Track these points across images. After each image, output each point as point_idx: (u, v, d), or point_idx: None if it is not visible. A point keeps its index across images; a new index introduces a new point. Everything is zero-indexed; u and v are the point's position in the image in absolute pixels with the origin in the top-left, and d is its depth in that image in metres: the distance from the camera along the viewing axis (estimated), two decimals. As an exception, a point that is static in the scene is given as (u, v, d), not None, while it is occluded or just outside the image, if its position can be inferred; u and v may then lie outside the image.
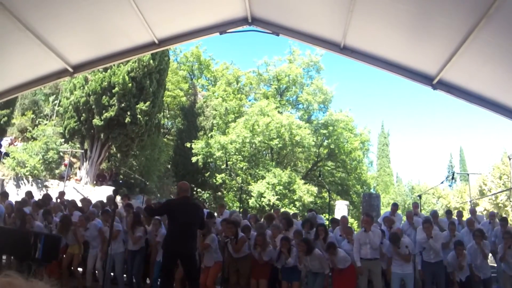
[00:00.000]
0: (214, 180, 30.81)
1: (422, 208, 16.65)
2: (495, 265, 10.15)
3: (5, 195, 11.79)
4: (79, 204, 11.57)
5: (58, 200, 12.36)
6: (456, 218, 11.87)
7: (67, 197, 13.63)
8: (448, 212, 12.34)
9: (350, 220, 23.61)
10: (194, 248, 7.21)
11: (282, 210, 17.59)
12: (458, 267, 8.87)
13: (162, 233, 9.11)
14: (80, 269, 9.89)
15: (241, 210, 17.06)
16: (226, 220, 9.78)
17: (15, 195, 18.66)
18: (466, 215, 12.41)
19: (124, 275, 9.74)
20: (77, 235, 9.50)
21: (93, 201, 12.21)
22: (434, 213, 11.56)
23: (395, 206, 12.28)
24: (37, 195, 13.96)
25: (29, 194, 12.48)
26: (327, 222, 14.48)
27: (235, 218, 10.43)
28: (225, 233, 8.89)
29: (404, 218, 12.04)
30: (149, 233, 9.56)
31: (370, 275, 8.95)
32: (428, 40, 6.70)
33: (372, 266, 8.94)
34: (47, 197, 12.22)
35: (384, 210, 29.59)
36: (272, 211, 20.02)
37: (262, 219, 11.19)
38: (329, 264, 8.70)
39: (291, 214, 12.72)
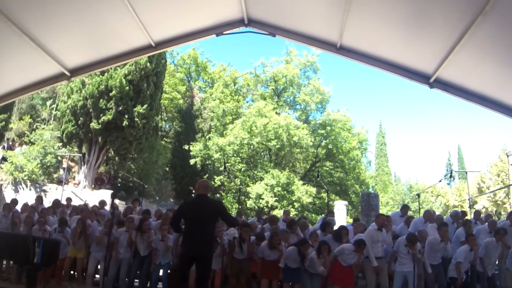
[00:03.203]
0: (212, 182, 30.75)
1: (421, 207, 16.66)
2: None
3: (14, 202, 11.76)
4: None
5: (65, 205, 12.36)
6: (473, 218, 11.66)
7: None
8: (463, 214, 12.11)
9: (349, 220, 23.58)
10: (211, 250, 7.04)
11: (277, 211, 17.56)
12: (473, 259, 8.77)
13: (170, 239, 9.20)
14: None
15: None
16: (244, 223, 9.83)
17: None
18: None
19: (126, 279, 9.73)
20: (87, 241, 9.56)
21: (91, 205, 12.22)
22: (456, 214, 11.31)
23: (405, 209, 12.04)
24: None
25: (39, 199, 12.51)
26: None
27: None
28: (242, 236, 8.94)
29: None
30: (154, 240, 9.49)
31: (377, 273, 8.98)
32: (425, 38, 6.72)
33: (381, 263, 8.95)
34: (57, 202, 12.21)
35: (383, 209, 29.65)
36: (273, 212, 20.02)
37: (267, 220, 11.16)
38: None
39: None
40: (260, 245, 9.03)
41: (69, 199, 13.44)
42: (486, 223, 10.37)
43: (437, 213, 14.52)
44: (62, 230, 9.76)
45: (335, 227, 10.56)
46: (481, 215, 11.78)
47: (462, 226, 10.07)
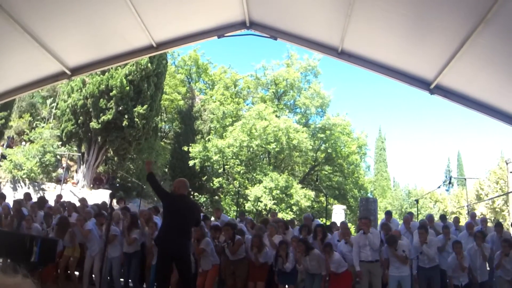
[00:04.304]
0: (211, 184, 30.75)
1: (419, 212, 16.68)
2: (488, 269, 10.13)
3: (2, 196, 11.76)
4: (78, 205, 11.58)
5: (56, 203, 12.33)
6: (452, 222, 11.78)
7: (64, 200, 13.58)
8: (443, 217, 12.28)
9: (348, 224, 23.59)
10: (189, 249, 7.02)
11: (279, 215, 17.59)
12: (460, 268, 8.83)
13: None
14: (76, 273, 9.86)
15: (236, 215, 17.01)
16: (215, 226, 9.80)
17: (12, 198, 18.63)
18: (462, 220, 12.36)
19: (121, 279, 9.72)
20: (74, 237, 9.51)
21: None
22: (430, 217, 11.50)
23: (388, 215, 12.20)
24: (34, 198, 13.95)
25: (27, 195, 12.46)
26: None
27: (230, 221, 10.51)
28: (224, 236, 8.90)
29: (401, 222, 11.98)
30: (145, 235, 9.50)
31: (370, 277, 8.95)
32: (426, 44, 6.71)
33: (373, 268, 8.94)
34: (42, 199, 12.19)
35: (382, 214, 29.69)
36: (269, 215, 20.02)
37: (259, 223, 11.20)
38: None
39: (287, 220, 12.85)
40: (244, 241, 9.12)
41: (59, 196, 13.43)
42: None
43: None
44: (48, 225, 9.76)
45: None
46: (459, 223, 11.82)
47: (442, 233, 10.19)
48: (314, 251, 8.65)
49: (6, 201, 11.76)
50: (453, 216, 13.93)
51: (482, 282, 9.12)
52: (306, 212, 27.82)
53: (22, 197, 12.14)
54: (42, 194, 21.29)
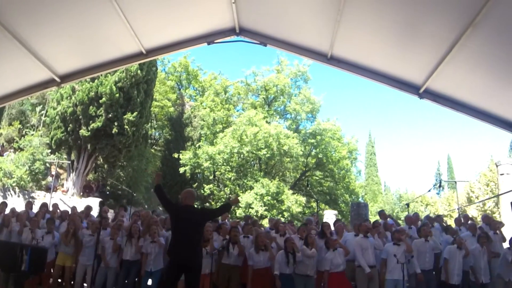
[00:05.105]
0: (202, 191, 30.63)
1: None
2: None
3: (5, 204, 11.73)
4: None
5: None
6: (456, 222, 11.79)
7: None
8: (439, 217, 12.25)
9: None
10: (201, 259, 6.98)
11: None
12: (465, 255, 8.89)
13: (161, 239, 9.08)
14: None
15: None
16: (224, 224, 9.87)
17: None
18: (453, 222, 12.38)
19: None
20: (77, 244, 9.48)
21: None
22: (429, 217, 11.54)
23: (382, 214, 12.24)
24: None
25: (29, 204, 12.49)
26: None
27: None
28: (232, 239, 8.86)
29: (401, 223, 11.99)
30: (145, 245, 9.40)
31: (368, 283, 8.92)
32: (415, 49, 6.76)
33: (372, 272, 8.94)
34: (45, 205, 12.33)
35: (373, 219, 29.76)
36: (262, 221, 19.97)
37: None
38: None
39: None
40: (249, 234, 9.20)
41: (55, 205, 13.39)
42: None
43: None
44: (50, 231, 9.68)
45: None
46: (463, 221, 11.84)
47: (445, 232, 10.33)
48: (321, 245, 8.83)
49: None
50: (463, 214, 14.12)
51: (484, 284, 9.11)
52: (297, 218, 27.93)
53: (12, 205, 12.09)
54: (32, 202, 21.13)
